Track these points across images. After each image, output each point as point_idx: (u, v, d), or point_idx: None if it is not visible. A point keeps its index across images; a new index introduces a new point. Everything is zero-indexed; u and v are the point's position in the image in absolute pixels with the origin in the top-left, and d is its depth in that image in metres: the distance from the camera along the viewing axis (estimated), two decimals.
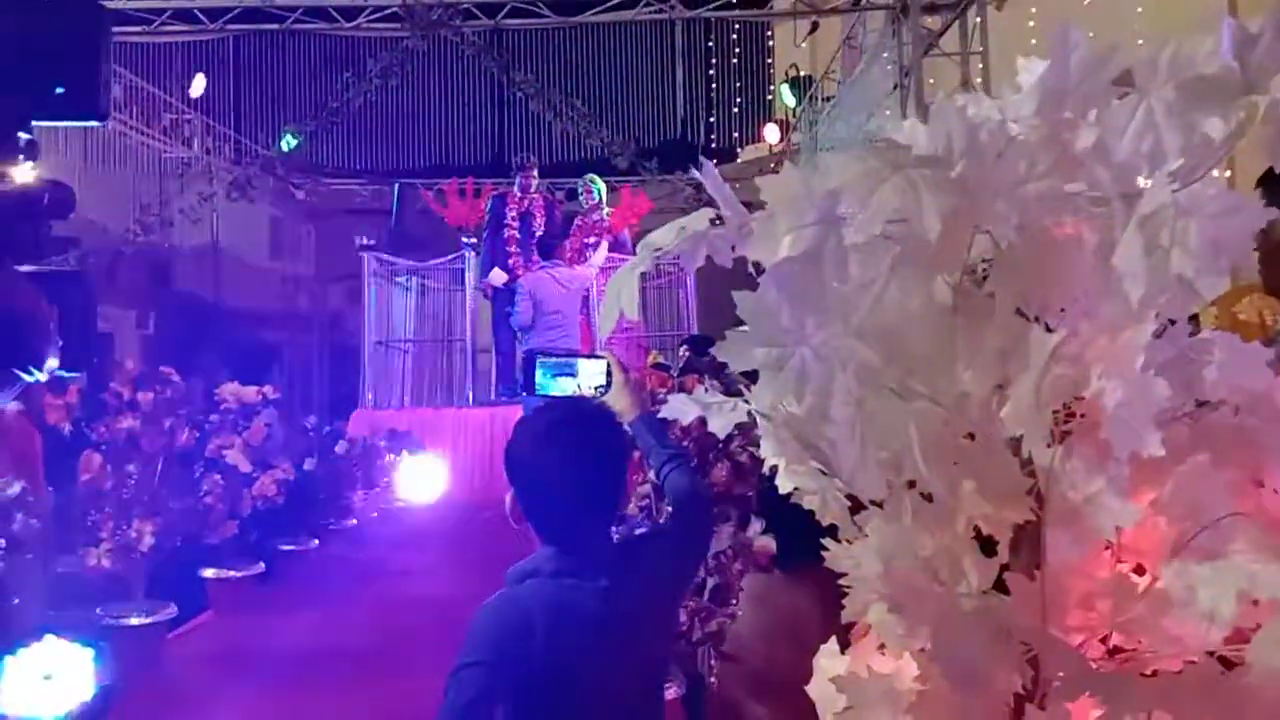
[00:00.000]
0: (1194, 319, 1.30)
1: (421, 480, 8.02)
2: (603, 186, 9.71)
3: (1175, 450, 1.02)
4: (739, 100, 14.78)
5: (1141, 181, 1.04)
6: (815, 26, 11.07)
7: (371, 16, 9.82)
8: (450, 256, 10.08)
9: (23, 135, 2.93)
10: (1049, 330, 1.05)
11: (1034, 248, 1.04)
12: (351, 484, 7.08)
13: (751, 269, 1.15)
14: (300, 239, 15.85)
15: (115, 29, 9.83)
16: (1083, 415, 1.05)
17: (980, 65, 8.67)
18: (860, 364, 1.06)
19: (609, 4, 9.63)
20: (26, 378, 2.46)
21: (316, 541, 6.53)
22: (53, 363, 2.57)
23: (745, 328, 1.18)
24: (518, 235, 9.42)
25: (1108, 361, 0.97)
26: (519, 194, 9.54)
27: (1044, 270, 1.05)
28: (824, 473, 1.22)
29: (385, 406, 9.72)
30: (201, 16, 9.72)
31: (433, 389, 10.30)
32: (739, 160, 14.60)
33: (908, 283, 1.03)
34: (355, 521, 7.12)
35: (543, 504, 1.51)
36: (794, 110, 12.95)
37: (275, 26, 10.08)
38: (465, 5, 9.49)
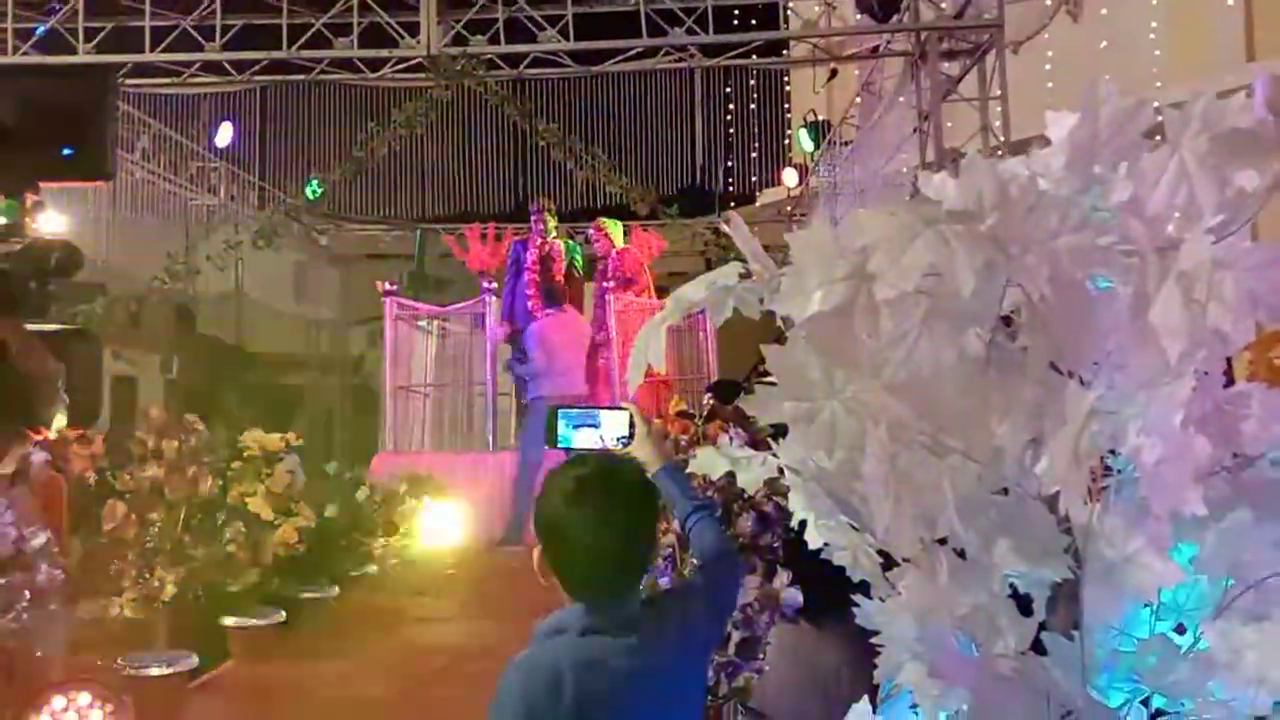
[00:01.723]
0: (1227, 364, 1.28)
1: (442, 526, 7.99)
2: (614, 226, 9.79)
3: (1215, 506, 1.00)
4: (757, 145, 14.90)
5: (1171, 231, 1.03)
6: (834, 74, 11.16)
7: (397, 67, 9.98)
8: (472, 300, 10.14)
9: (31, 196, 3.01)
10: (1083, 384, 1.03)
11: (1066, 301, 1.03)
12: (372, 530, 7.06)
13: (780, 323, 1.15)
14: (324, 283, 16.01)
15: (145, 80, 10.06)
16: (1119, 471, 1.03)
17: (999, 109, 8.71)
18: (892, 419, 1.04)
19: (629, 54, 9.75)
20: (35, 436, 2.50)
21: (337, 589, 6.50)
22: (60, 421, 2.61)
23: (771, 378, 1.17)
24: (538, 279, 9.48)
25: (1145, 418, 0.96)
26: (539, 239, 9.63)
27: (1077, 324, 1.04)
28: (855, 528, 1.20)
29: (406, 450, 9.73)
30: (229, 68, 9.91)
31: (453, 433, 10.30)
32: (758, 204, 14.68)
33: (940, 337, 1.02)
34: (376, 568, 7.09)
35: (571, 561, 1.49)
36: (812, 155, 13.03)
37: (302, 77, 10.25)
38: (488, 56, 9.63)
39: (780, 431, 1.19)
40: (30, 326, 3.25)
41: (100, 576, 4.20)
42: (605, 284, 9.78)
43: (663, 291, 9.60)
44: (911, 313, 1.00)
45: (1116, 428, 1.00)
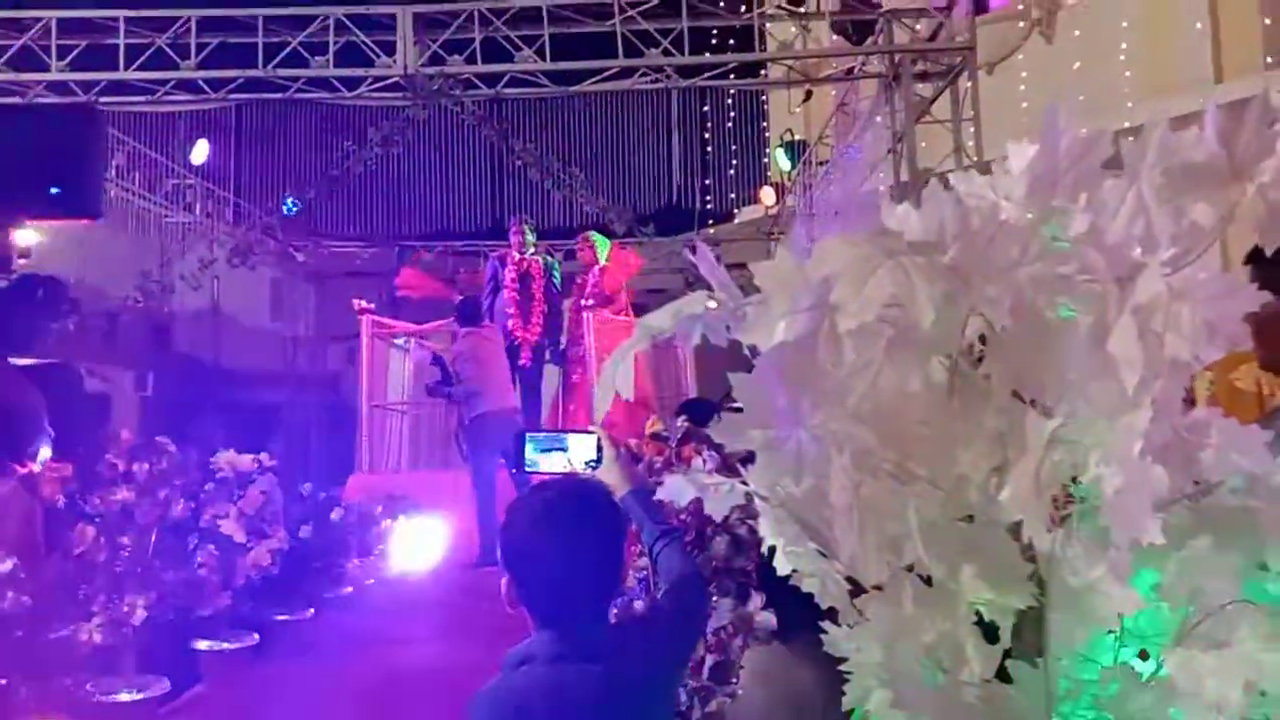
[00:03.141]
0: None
1: (418, 545, 7.94)
2: (602, 243, 9.79)
3: (1175, 534, 1.01)
4: (734, 164, 14.98)
5: (1133, 261, 1.04)
6: (809, 95, 11.26)
7: (373, 86, 9.97)
8: (448, 319, 10.12)
9: (18, 234, 3.02)
10: (1047, 413, 1.04)
11: (1028, 331, 1.04)
12: (347, 551, 7.01)
13: (747, 351, 1.15)
14: (300, 301, 15.93)
15: (120, 99, 10.01)
16: (1081, 500, 1.04)
17: (972, 130, 8.81)
18: (857, 447, 1.05)
19: (606, 74, 9.78)
20: (20, 469, 2.50)
21: (312, 611, 6.44)
22: (45, 453, 2.61)
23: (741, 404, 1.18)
24: (517, 296, 9.47)
25: (1105, 447, 0.97)
26: (517, 255, 9.62)
27: (1038, 353, 1.05)
28: (823, 555, 1.21)
29: (382, 469, 9.66)
30: (205, 86, 9.87)
31: (430, 451, 10.25)
32: (736, 221, 14.75)
33: (903, 366, 1.03)
34: (351, 589, 7.03)
35: (538, 589, 1.48)
36: (789, 174, 13.12)
37: (278, 96, 10.22)
38: (465, 75, 9.64)
39: (752, 456, 1.19)
40: (13, 361, 3.24)
41: (69, 600, 4.14)
42: (583, 301, 9.78)
43: (640, 309, 9.62)
44: (874, 343, 1.00)
45: (1078, 456, 1.01)
